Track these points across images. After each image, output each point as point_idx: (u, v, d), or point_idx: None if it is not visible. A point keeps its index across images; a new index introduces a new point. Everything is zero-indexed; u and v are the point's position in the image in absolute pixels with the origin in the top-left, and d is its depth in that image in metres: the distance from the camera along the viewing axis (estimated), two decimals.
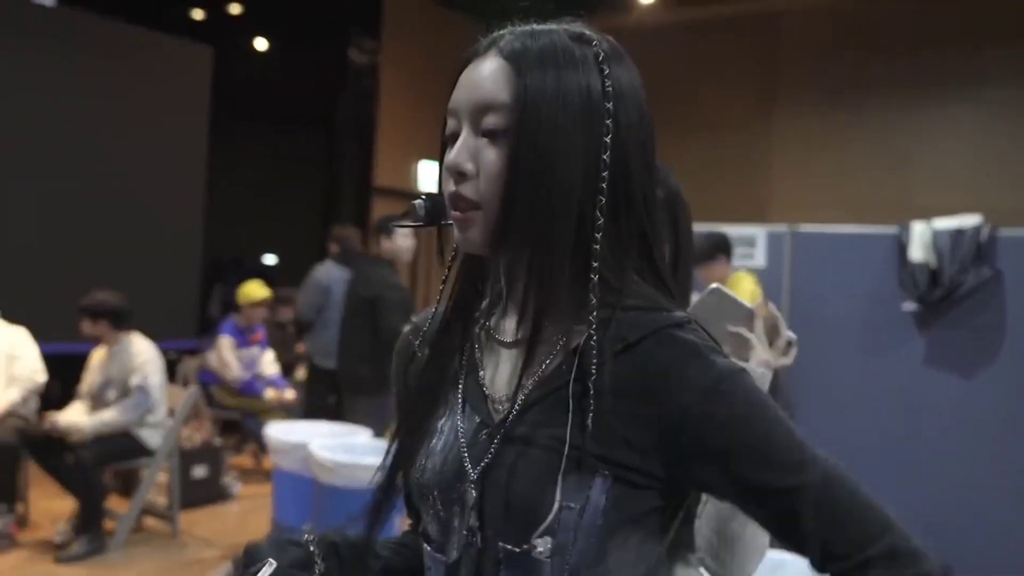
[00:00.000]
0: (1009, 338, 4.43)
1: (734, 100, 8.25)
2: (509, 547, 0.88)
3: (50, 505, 5.15)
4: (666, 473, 0.87)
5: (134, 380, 4.82)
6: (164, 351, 7.32)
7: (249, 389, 6.44)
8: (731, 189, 7.97)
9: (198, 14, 8.93)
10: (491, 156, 0.89)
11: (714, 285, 1.43)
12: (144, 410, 4.82)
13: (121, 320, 4.93)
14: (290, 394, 6.56)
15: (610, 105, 0.89)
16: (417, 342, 1.04)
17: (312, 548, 1.02)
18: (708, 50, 8.32)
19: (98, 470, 4.77)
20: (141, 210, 7.78)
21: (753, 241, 5.08)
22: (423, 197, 0.94)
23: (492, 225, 0.89)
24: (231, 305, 7.14)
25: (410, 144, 8.83)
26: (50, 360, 5.12)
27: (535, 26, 0.95)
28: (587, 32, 0.94)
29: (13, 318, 5.03)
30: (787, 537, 0.87)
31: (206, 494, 5.65)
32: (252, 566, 0.97)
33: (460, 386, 0.97)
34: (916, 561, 0.84)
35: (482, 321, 1.00)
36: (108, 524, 4.95)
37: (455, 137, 0.92)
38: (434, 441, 0.97)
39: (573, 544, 0.86)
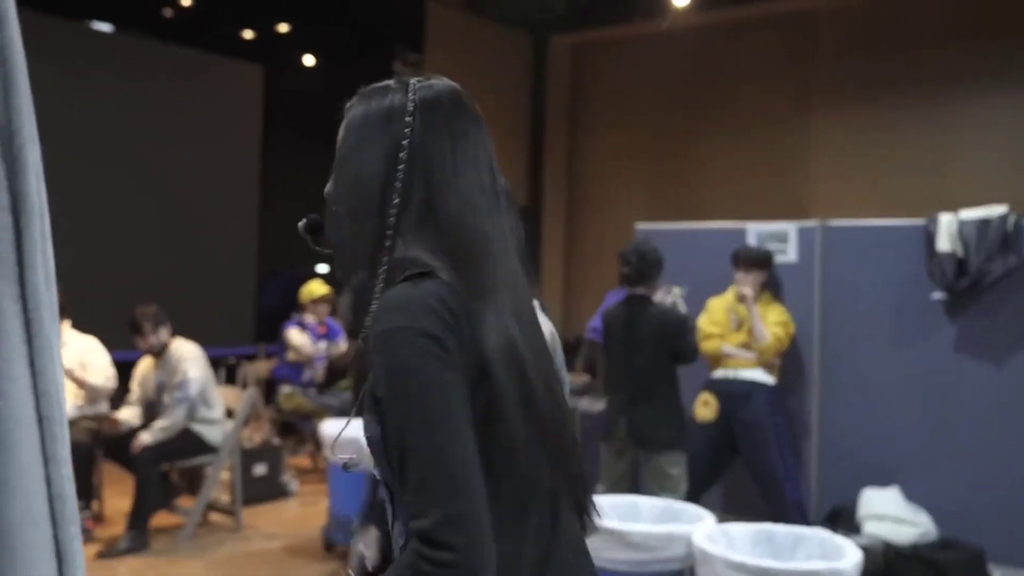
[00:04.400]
0: None
1: (770, 99, 8.35)
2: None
3: (123, 504, 5.47)
4: None
5: (176, 379, 5.13)
6: (224, 356, 7.68)
7: (295, 373, 6.78)
8: (769, 187, 8.08)
9: (248, 34, 9.29)
10: None
11: None
12: (187, 403, 5.07)
13: (162, 327, 5.20)
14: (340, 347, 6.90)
15: (407, 131, 1.14)
16: None
17: None
18: (743, 50, 8.43)
19: (155, 468, 5.05)
20: (199, 224, 8.14)
21: (785, 236, 5.22)
22: (304, 218, 1.28)
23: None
24: (287, 311, 7.43)
25: None
26: (117, 367, 5.43)
27: (376, 85, 1.22)
28: (413, 85, 1.19)
29: (82, 328, 5.35)
30: (399, 487, 1.06)
31: (266, 491, 5.94)
32: None
33: None
34: (436, 547, 0.97)
35: None
36: (176, 519, 5.27)
37: None
38: None
39: (381, 465, 1.11)
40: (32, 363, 0.82)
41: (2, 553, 0.79)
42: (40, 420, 0.82)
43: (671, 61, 8.73)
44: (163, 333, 5.18)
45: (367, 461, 1.20)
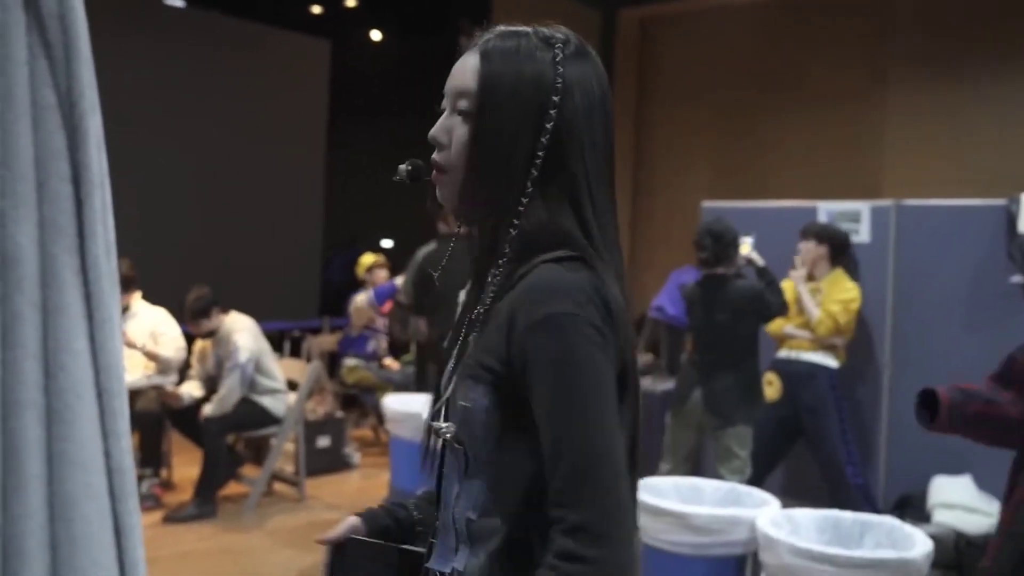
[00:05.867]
0: None
1: (844, 74, 8.12)
2: (436, 432, 1.15)
3: (191, 471, 5.58)
4: (512, 381, 1.07)
5: (229, 348, 5.18)
6: (289, 330, 7.78)
7: (360, 345, 6.78)
8: (841, 166, 7.88)
9: (316, 9, 9.34)
10: (460, 131, 1.13)
11: None
12: (238, 370, 5.09)
13: (211, 308, 5.22)
14: (391, 363, 6.93)
15: (557, 98, 1.10)
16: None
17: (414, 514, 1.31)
18: (817, 24, 8.21)
19: (221, 439, 5.14)
20: (265, 198, 8.23)
21: (857, 216, 5.08)
22: (407, 162, 1.20)
23: (456, 187, 1.14)
24: (352, 285, 7.50)
25: None
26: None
27: (513, 28, 1.16)
28: (555, 35, 1.14)
29: (151, 300, 5.43)
30: (547, 473, 1.03)
31: (329, 463, 6.02)
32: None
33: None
34: (590, 542, 0.96)
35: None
36: (241, 488, 5.37)
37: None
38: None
39: (473, 438, 1.09)
40: (92, 337, 0.82)
41: (61, 525, 0.79)
42: (100, 394, 0.82)
43: (742, 35, 8.54)
44: (207, 323, 5.20)
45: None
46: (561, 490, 0.99)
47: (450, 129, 1.14)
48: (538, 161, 1.09)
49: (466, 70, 1.13)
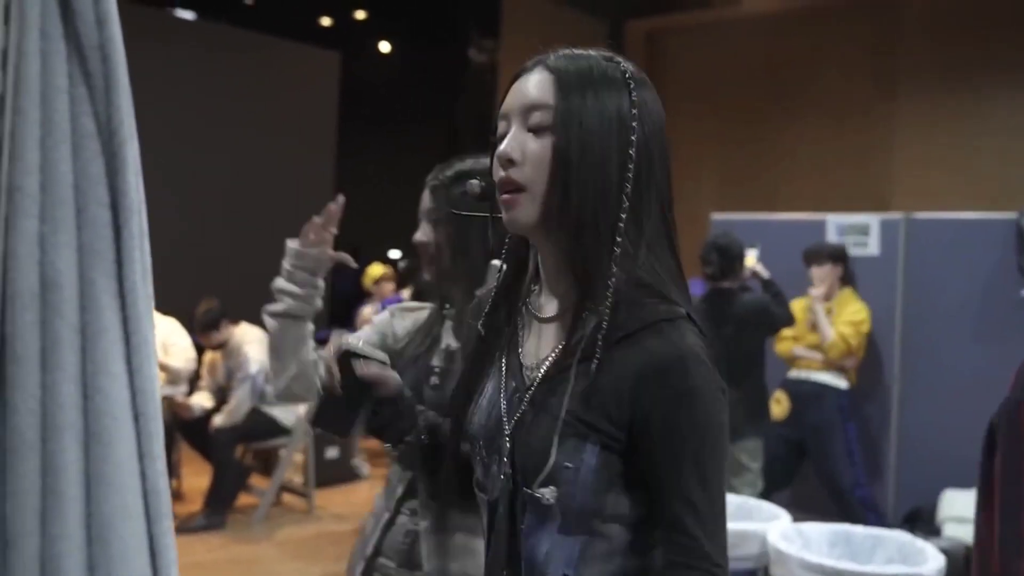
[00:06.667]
0: None
1: (852, 86, 8.14)
2: (529, 492, 1.07)
3: (201, 482, 5.59)
4: (628, 443, 1.05)
5: (239, 360, 5.21)
6: None
7: None
8: (849, 178, 7.89)
9: (326, 21, 9.39)
10: (536, 147, 1.06)
11: None
12: (248, 382, 5.12)
13: (220, 320, 5.25)
14: None
15: (635, 112, 1.07)
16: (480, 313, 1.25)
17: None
18: (825, 35, 8.23)
19: (231, 449, 5.17)
20: (273, 208, 8.24)
21: (866, 229, 5.08)
22: (479, 178, 1.08)
23: (539, 205, 1.07)
24: (360, 296, 7.52)
25: None
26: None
27: (572, 49, 1.12)
28: (617, 57, 1.12)
29: (161, 310, 5.46)
30: (654, 522, 1.06)
31: (338, 474, 6.03)
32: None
33: (505, 354, 1.17)
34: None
35: (527, 299, 1.20)
36: (250, 499, 5.38)
37: (505, 137, 1.10)
38: (481, 398, 1.18)
39: (574, 497, 1.05)
40: (129, 360, 0.83)
41: (98, 546, 0.80)
42: (136, 416, 0.83)
43: (749, 47, 8.57)
44: (217, 335, 5.23)
45: None
46: (701, 536, 1.03)
47: (523, 145, 1.07)
48: (627, 184, 1.05)
49: (537, 85, 1.07)
